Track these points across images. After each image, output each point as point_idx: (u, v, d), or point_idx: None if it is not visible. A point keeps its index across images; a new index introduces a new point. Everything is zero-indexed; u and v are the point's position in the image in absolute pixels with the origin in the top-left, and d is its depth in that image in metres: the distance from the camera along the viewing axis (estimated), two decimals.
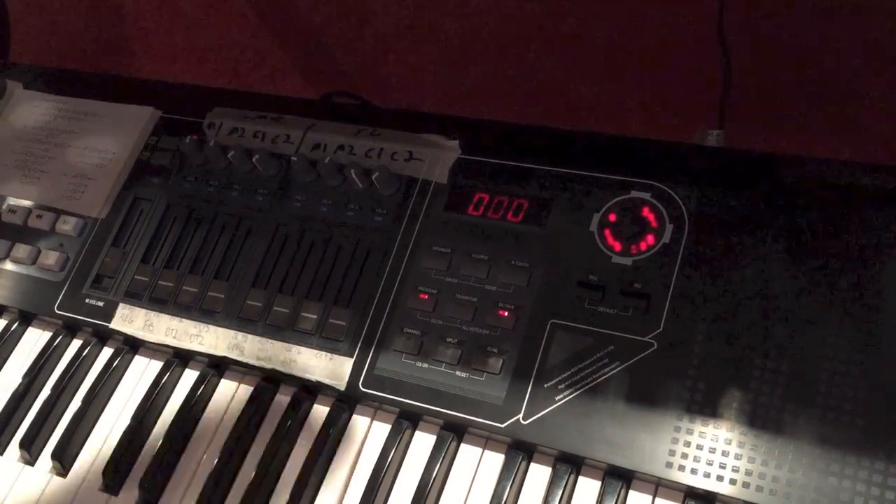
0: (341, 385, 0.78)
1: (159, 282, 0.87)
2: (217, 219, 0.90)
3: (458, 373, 0.75)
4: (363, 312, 0.80)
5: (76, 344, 0.91)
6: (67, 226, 0.93)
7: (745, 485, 0.65)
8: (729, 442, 0.67)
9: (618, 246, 0.76)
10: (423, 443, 0.76)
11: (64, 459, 0.82)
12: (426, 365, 0.77)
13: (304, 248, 0.85)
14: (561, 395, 0.72)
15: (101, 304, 0.89)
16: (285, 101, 0.97)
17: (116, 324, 0.87)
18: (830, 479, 0.64)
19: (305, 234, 0.86)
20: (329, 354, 0.80)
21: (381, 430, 0.78)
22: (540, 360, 0.74)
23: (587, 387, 0.72)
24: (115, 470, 0.80)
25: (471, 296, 0.78)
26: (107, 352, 0.89)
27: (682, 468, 0.67)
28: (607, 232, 0.77)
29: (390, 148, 0.88)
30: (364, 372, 0.78)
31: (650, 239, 0.76)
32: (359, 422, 0.79)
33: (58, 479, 0.82)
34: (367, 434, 0.78)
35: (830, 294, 0.69)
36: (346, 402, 0.79)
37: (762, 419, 0.67)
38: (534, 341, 0.75)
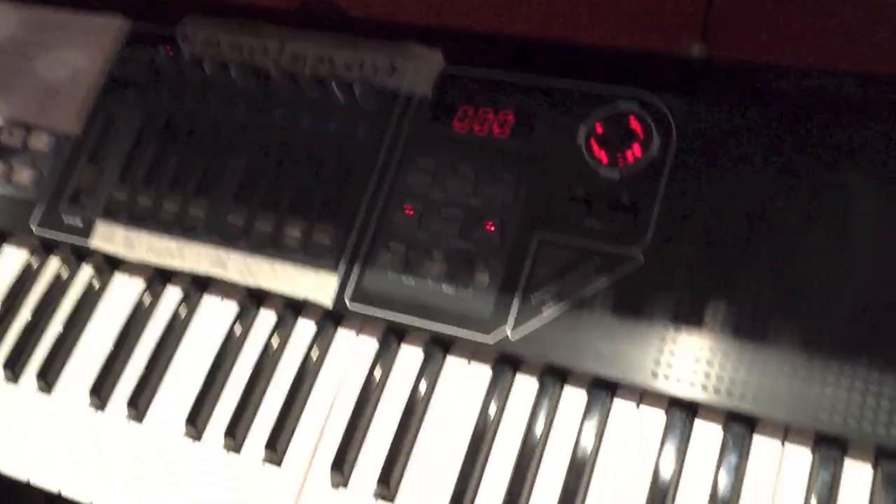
0: (327, 301, 0.78)
1: (138, 199, 0.86)
2: (195, 134, 0.87)
3: (444, 287, 0.75)
4: (347, 228, 0.80)
5: (54, 263, 0.89)
6: (40, 142, 0.91)
7: (730, 393, 0.67)
8: (714, 352, 0.68)
9: (605, 159, 0.76)
10: (410, 357, 0.77)
11: (49, 377, 0.82)
12: (412, 280, 0.76)
13: (287, 164, 0.84)
14: (548, 309, 0.72)
15: (79, 222, 0.87)
16: (260, 10, 0.94)
17: (96, 242, 0.86)
18: (813, 386, 0.65)
19: (287, 150, 0.84)
20: (314, 270, 0.79)
21: (369, 345, 0.78)
22: (527, 274, 0.74)
23: (574, 300, 0.72)
24: (102, 386, 0.80)
25: (457, 210, 0.77)
26: (87, 270, 0.88)
27: (667, 377, 0.68)
28: (594, 144, 0.76)
29: (372, 59, 0.85)
30: (350, 288, 0.78)
31: (637, 151, 0.75)
32: (345, 337, 0.79)
33: (43, 396, 0.82)
34: (354, 350, 0.78)
35: (816, 206, 0.69)
36: (331, 319, 0.79)
37: (747, 329, 0.68)
38: (520, 255, 0.75)
